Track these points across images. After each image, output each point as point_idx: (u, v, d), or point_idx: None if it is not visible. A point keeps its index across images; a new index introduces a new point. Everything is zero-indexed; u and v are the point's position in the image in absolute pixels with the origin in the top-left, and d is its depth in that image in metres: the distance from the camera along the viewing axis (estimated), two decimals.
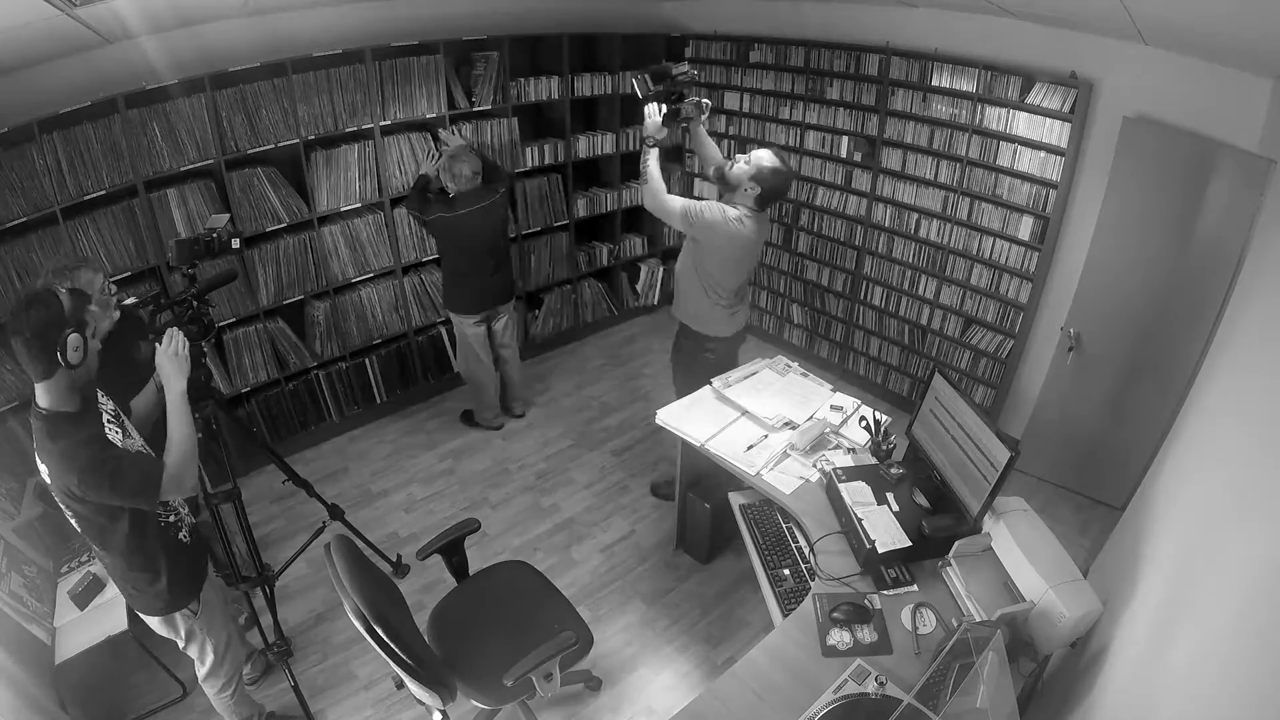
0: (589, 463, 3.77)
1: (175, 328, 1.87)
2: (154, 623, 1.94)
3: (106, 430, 1.69)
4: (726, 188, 2.74)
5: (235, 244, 2.23)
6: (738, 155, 2.75)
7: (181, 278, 2.12)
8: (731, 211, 2.65)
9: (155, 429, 1.98)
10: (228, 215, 2.31)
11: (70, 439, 1.59)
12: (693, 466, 2.88)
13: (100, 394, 1.77)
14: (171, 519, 1.90)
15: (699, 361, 3.06)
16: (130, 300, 2.04)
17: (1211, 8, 1.92)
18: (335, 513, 2.80)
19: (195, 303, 2.08)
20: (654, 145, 2.77)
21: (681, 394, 2.96)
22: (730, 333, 3.02)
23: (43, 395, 1.60)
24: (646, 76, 2.79)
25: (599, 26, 4.37)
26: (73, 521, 1.73)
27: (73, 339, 1.56)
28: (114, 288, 2.29)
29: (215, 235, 2.17)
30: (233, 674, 2.15)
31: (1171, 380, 2.90)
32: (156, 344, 1.85)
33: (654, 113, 2.78)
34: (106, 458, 1.62)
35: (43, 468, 1.64)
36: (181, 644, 2.00)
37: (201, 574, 1.99)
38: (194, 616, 1.95)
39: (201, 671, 2.09)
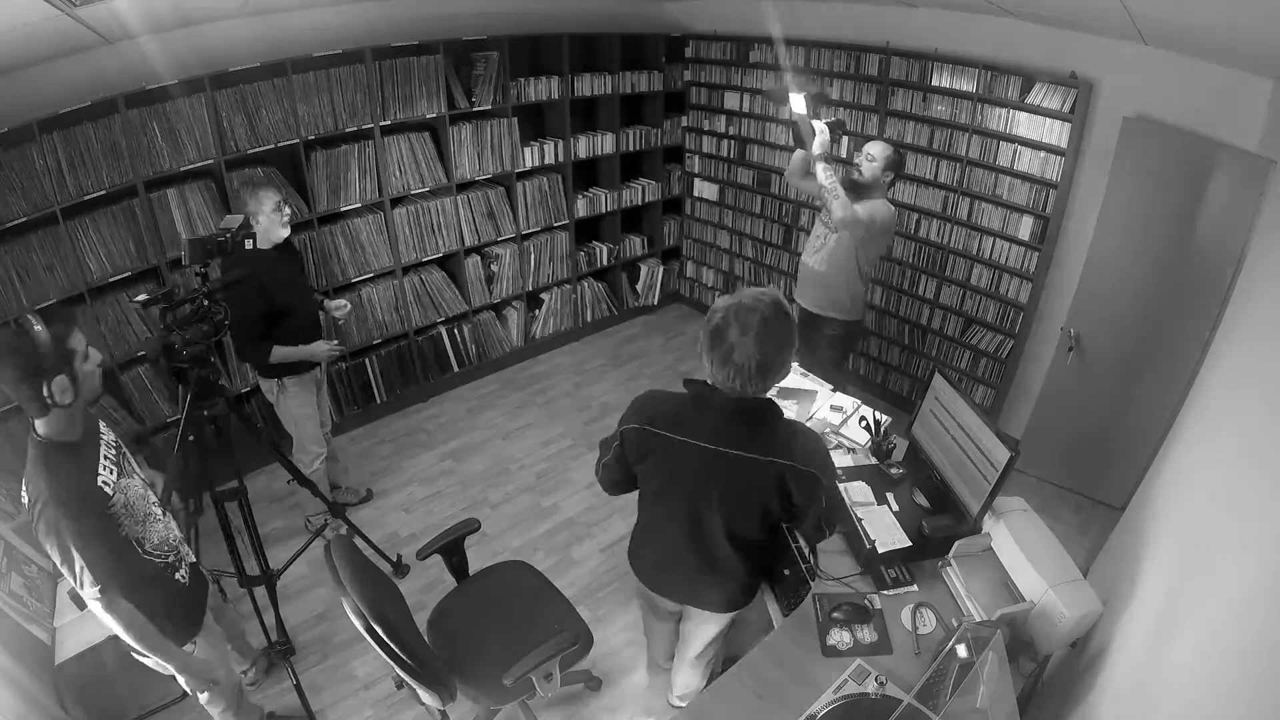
0: (589, 463, 3.77)
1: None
2: (148, 662, 1.83)
3: (100, 469, 1.62)
4: (862, 190, 2.98)
5: (249, 245, 2.24)
6: (855, 161, 3.04)
7: (194, 276, 2.13)
8: (882, 205, 2.96)
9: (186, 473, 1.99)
10: (242, 216, 2.32)
11: (51, 483, 1.51)
12: None
13: (102, 425, 1.72)
14: (170, 559, 1.84)
15: (854, 347, 3.36)
16: (141, 298, 2.04)
17: (1211, 8, 1.92)
18: (336, 510, 2.80)
19: (206, 301, 2.09)
20: (824, 160, 2.88)
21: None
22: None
23: (41, 426, 1.55)
24: (806, 96, 2.91)
25: (599, 26, 4.37)
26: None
27: (59, 382, 1.49)
28: (288, 211, 2.63)
29: (229, 235, 2.18)
30: (233, 695, 2.12)
31: (1171, 380, 2.90)
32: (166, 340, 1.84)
33: (824, 129, 2.87)
34: (75, 528, 1.52)
35: (24, 495, 1.57)
36: (180, 680, 1.92)
37: (198, 614, 1.94)
38: (189, 656, 1.90)
39: (202, 698, 2.03)
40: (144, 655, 1.78)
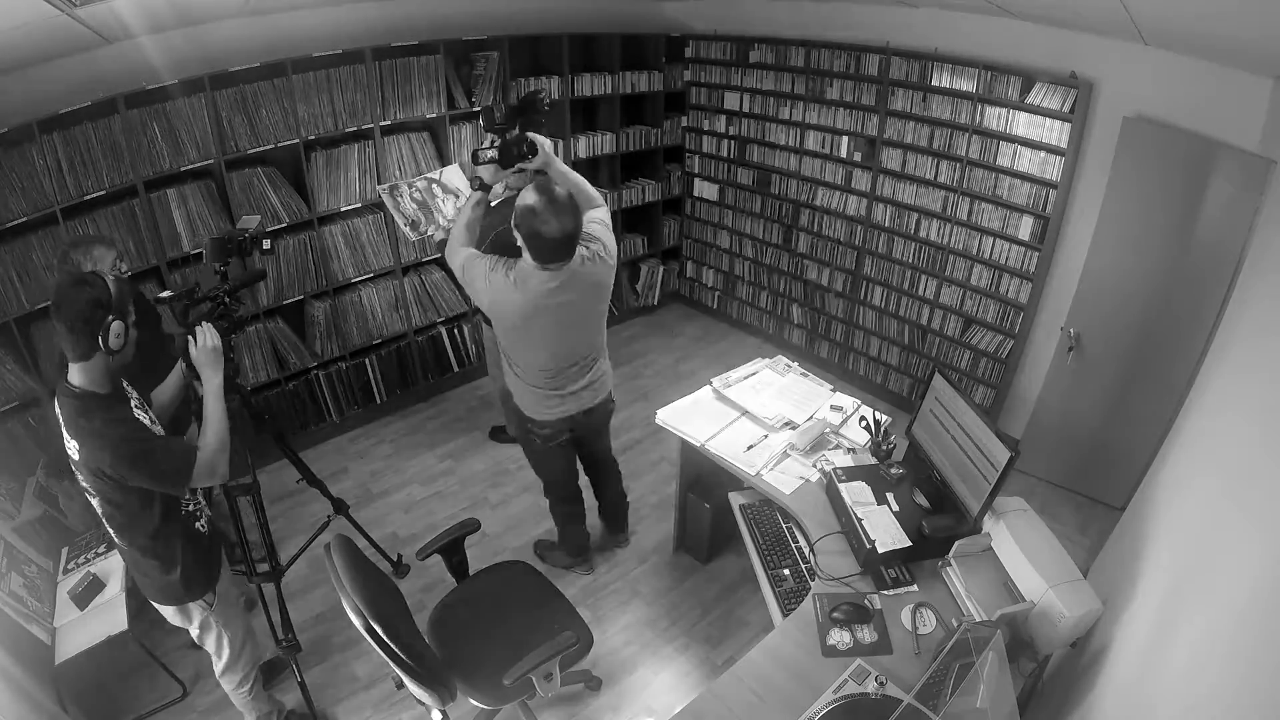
0: None
1: (207, 323, 1.90)
2: (168, 612, 1.95)
3: (134, 413, 1.72)
4: None
5: (266, 244, 2.27)
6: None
7: (214, 274, 2.16)
8: (502, 270, 2.14)
9: (172, 423, 2.03)
10: (259, 216, 2.35)
11: (103, 418, 1.62)
12: (693, 466, 2.88)
13: (124, 383, 1.79)
14: (191, 508, 1.91)
15: (529, 444, 2.61)
16: (165, 294, 2.07)
17: (1211, 8, 1.92)
18: (340, 507, 2.79)
19: (226, 299, 2.12)
20: (480, 189, 2.30)
21: (538, 473, 2.76)
22: (553, 417, 2.45)
23: (76, 375, 1.62)
24: (494, 109, 2.41)
25: (599, 26, 4.37)
26: (96, 505, 1.74)
27: (116, 326, 1.60)
28: (124, 266, 2.39)
29: (247, 235, 2.22)
30: (250, 669, 2.16)
31: (1171, 380, 2.90)
32: (190, 339, 1.87)
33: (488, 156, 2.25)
34: (141, 437, 1.66)
35: (72, 444, 1.64)
36: (196, 635, 2.02)
37: (216, 566, 2.00)
38: (209, 609, 1.96)
39: (219, 666, 2.10)
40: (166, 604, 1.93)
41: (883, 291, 4.12)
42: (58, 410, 1.65)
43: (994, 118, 3.35)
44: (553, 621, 2.13)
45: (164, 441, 1.72)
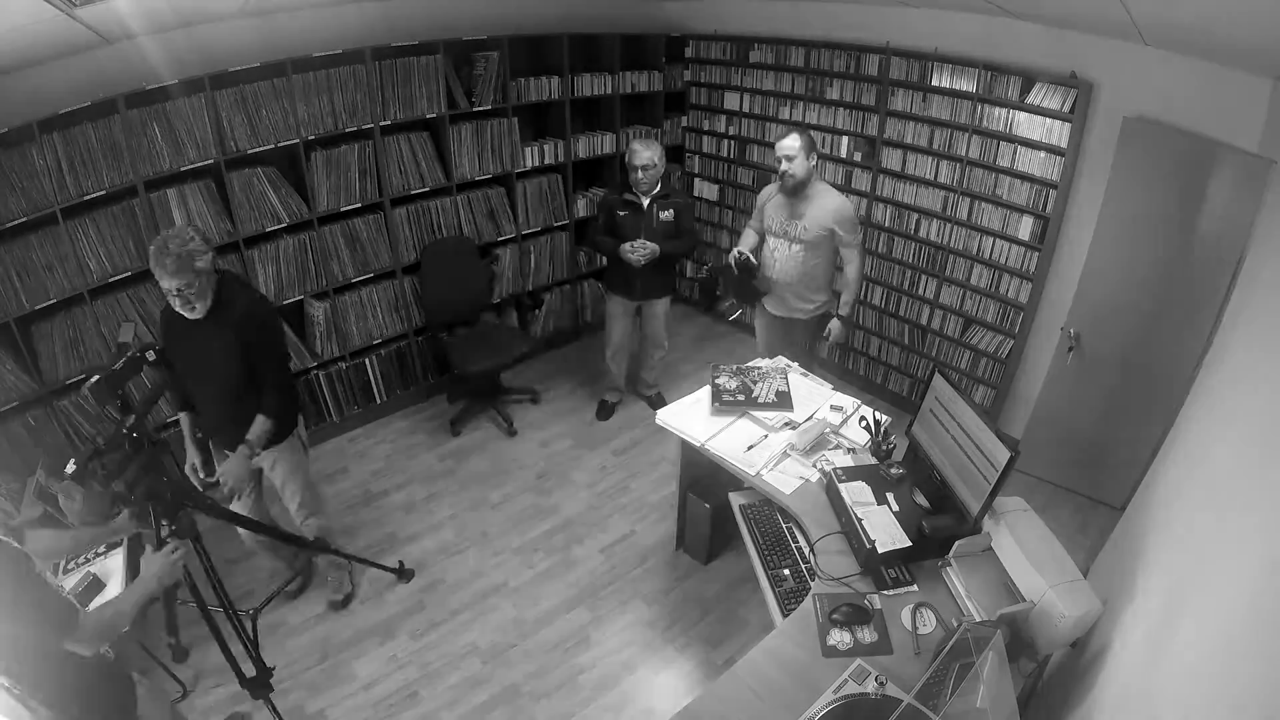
0: (589, 463, 3.77)
1: (179, 550, 1.83)
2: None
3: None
4: (800, 187, 3.09)
5: (150, 356, 2.01)
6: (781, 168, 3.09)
7: (110, 417, 1.96)
8: (834, 198, 3.15)
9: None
10: (134, 323, 2.10)
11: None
12: (693, 466, 2.88)
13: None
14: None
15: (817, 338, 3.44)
16: (70, 469, 1.80)
17: (1211, 8, 1.92)
18: (259, 683, 2.27)
19: (134, 434, 1.88)
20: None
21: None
22: None
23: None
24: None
25: (599, 26, 4.37)
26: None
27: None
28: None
29: (129, 354, 1.95)
30: None
31: (1171, 380, 2.90)
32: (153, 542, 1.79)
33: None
34: (39, 585, 1.52)
35: None
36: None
37: (124, 707, 1.78)
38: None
39: None
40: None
41: (883, 291, 4.12)
42: None
43: (994, 118, 3.35)
44: None
45: (53, 593, 1.54)
